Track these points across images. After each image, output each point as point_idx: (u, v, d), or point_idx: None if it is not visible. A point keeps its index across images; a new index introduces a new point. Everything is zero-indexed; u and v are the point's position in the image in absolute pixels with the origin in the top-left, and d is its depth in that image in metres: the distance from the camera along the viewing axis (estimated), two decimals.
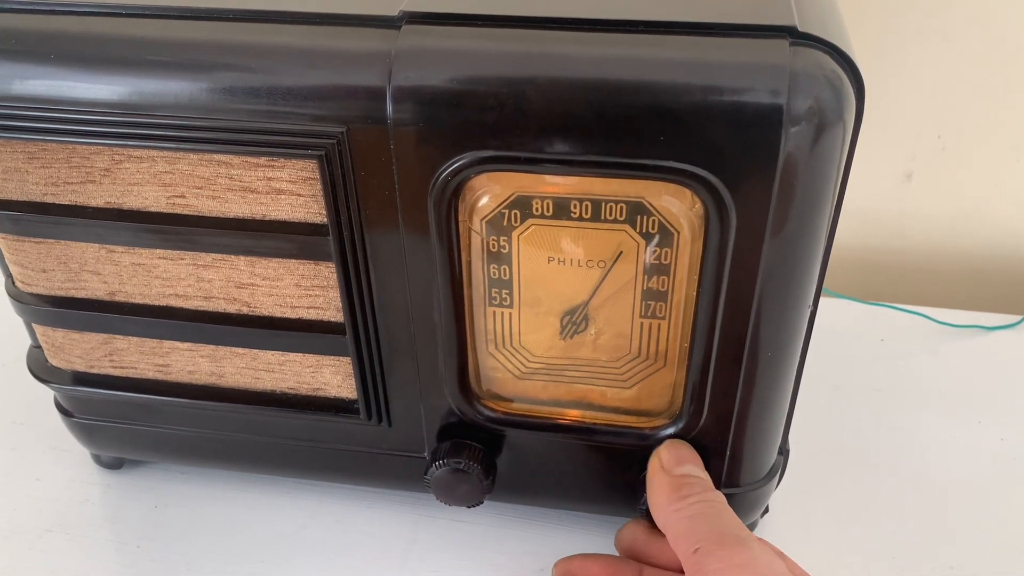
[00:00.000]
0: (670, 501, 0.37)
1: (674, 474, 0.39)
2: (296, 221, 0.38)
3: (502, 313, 0.40)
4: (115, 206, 0.39)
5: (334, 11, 0.34)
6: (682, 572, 0.36)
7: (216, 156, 0.36)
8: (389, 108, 0.33)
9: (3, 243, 0.42)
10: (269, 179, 0.37)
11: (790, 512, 0.49)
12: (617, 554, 0.44)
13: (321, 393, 0.44)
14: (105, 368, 0.45)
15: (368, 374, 0.42)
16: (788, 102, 0.31)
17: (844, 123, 0.32)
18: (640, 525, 0.43)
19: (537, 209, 0.36)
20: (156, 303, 0.42)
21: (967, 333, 0.63)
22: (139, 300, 0.42)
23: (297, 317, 0.41)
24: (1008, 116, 0.65)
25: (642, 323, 0.39)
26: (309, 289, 0.40)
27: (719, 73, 0.31)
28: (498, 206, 0.36)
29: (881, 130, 0.66)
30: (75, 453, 0.53)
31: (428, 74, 0.33)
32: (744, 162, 0.32)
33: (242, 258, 0.40)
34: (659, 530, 0.39)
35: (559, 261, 0.38)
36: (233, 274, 0.40)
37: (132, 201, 0.39)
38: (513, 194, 0.36)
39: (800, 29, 0.32)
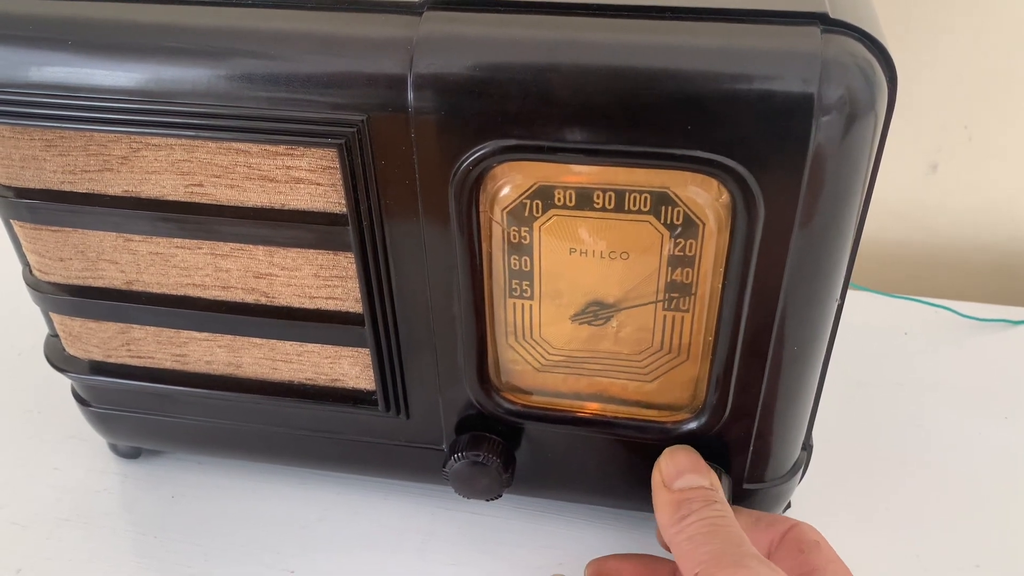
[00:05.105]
0: (671, 523, 0.37)
1: (674, 489, 0.38)
2: (315, 211, 0.37)
3: (522, 305, 0.39)
4: (133, 194, 0.39)
5: None
6: None
7: (235, 144, 0.36)
8: (410, 96, 0.33)
9: (20, 231, 0.42)
10: (288, 168, 0.36)
11: (812, 508, 0.48)
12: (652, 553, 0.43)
13: (339, 384, 0.44)
14: (122, 357, 0.45)
15: (387, 365, 0.41)
16: (819, 91, 0.30)
17: (876, 113, 0.31)
18: None
19: (559, 200, 0.35)
20: (174, 292, 0.42)
21: (992, 327, 0.62)
22: (156, 289, 0.42)
23: (316, 308, 0.41)
24: None
25: (665, 316, 0.38)
26: (328, 279, 0.40)
27: (748, 61, 0.31)
28: (520, 196, 0.36)
29: (906, 120, 0.65)
30: (92, 443, 0.53)
31: (450, 61, 0.32)
32: (773, 152, 0.31)
33: (260, 248, 0.39)
34: None
35: (581, 252, 0.37)
36: (251, 264, 0.40)
37: (150, 190, 0.38)
38: (535, 184, 0.35)
39: (832, 16, 0.31)
